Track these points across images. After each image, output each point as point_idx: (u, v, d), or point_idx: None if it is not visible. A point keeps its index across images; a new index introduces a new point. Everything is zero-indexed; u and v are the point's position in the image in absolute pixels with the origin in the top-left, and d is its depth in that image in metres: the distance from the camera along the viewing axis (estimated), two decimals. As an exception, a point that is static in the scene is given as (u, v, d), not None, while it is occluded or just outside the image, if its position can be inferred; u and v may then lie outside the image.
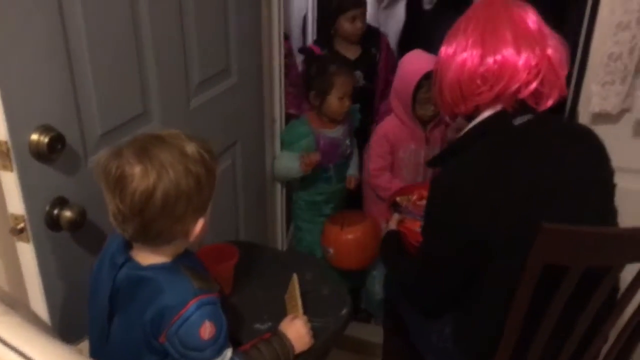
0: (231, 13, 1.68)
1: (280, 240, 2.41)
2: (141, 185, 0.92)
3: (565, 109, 1.77)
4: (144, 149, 0.94)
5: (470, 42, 1.21)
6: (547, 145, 1.21)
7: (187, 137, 0.99)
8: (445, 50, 1.27)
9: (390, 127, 2.18)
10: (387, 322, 1.83)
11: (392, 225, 1.60)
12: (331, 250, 2.14)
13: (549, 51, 1.20)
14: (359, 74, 2.52)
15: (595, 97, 1.59)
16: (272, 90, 2.11)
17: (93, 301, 1.08)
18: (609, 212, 1.27)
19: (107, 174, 0.94)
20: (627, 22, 1.49)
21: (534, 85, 1.19)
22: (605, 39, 1.54)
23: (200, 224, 1.00)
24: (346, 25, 2.50)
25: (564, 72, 1.24)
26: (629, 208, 1.43)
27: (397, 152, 2.19)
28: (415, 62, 2.05)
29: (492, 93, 1.21)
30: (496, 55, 1.18)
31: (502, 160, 1.19)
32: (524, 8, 1.23)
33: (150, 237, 0.97)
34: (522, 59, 1.17)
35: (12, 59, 0.98)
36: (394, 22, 3.05)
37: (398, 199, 1.74)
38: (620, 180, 1.29)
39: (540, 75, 1.19)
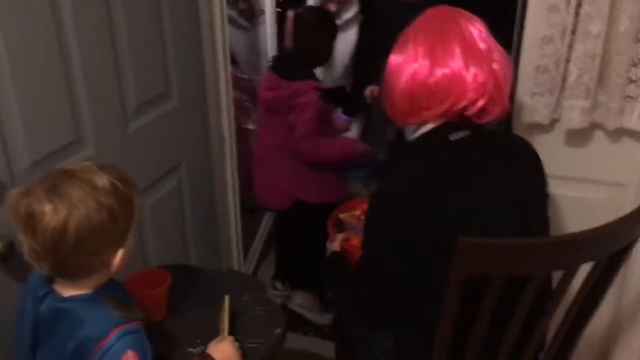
0: (168, 33, 1.67)
1: (237, 259, 2.38)
2: (52, 223, 0.92)
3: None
4: (53, 185, 0.94)
5: (420, 52, 1.22)
6: (483, 160, 1.23)
7: (99, 168, 0.99)
8: (394, 59, 1.27)
9: None
10: (336, 336, 1.83)
11: (336, 245, 1.57)
12: None
13: (495, 66, 1.21)
14: None
15: (526, 109, 1.63)
16: (219, 109, 2.10)
17: (19, 334, 1.07)
18: (543, 222, 1.30)
19: (17, 213, 0.93)
20: (550, 35, 1.53)
21: (480, 103, 1.21)
22: (532, 52, 1.58)
23: (120, 255, 1.01)
24: None
25: (507, 89, 1.26)
26: (561, 213, 1.47)
27: None
28: None
29: (441, 109, 1.22)
30: (445, 69, 1.19)
31: (440, 175, 1.21)
32: (472, 21, 1.24)
33: (68, 273, 0.98)
34: (471, 76, 1.19)
35: None
36: (343, 46, 3.05)
37: (341, 216, 1.74)
38: (554, 187, 1.33)
39: (487, 94, 1.20)
